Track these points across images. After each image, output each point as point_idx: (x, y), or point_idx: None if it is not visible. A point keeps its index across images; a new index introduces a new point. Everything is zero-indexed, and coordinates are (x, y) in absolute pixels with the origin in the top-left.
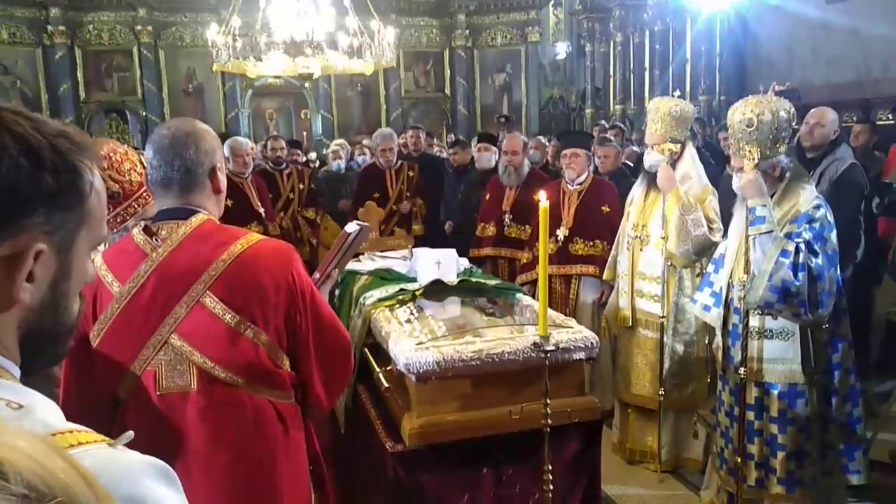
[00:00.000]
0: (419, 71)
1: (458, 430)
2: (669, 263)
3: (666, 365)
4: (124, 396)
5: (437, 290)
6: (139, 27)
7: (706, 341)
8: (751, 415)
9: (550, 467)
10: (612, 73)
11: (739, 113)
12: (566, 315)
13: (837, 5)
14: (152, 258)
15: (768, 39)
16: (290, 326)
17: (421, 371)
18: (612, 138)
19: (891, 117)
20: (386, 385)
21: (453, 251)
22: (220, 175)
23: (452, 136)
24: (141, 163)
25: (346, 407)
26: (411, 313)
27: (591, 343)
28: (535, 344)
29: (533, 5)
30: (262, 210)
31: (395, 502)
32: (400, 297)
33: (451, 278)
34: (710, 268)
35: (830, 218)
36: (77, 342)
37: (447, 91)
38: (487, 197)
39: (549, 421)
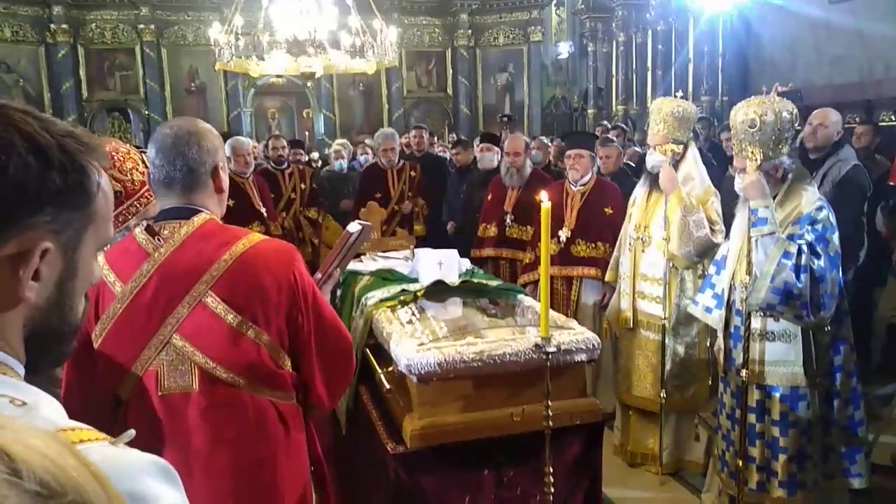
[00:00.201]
0: (421, 70)
1: (459, 432)
2: (671, 265)
3: (667, 367)
4: (126, 396)
5: (438, 291)
6: (142, 26)
7: (707, 343)
8: (752, 417)
9: (552, 469)
10: (614, 73)
11: (742, 113)
12: (567, 316)
13: (841, 6)
14: (154, 258)
15: (771, 40)
16: (291, 327)
17: (422, 372)
18: (615, 139)
19: (893, 118)
20: (387, 386)
21: (455, 252)
22: (223, 174)
23: (454, 135)
24: (143, 162)
25: (348, 408)
26: (413, 314)
27: (593, 344)
28: (536, 345)
29: (535, 5)
30: (263, 210)
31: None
32: (402, 298)
33: (453, 279)
34: (712, 269)
35: (833, 219)
36: (79, 342)
37: (449, 91)
38: (489, 197)
39: (551, 423)
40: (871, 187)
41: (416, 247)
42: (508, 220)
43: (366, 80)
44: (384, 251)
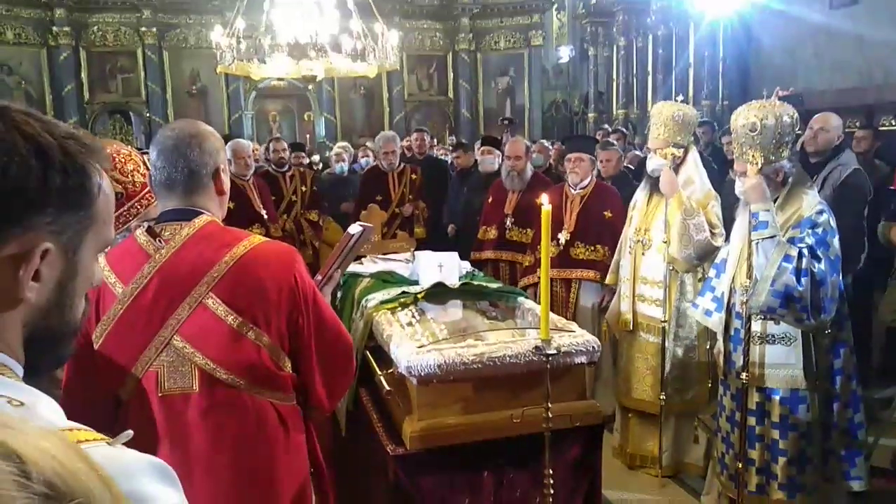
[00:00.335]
0: (422, 74)
1: (459, 434)
2: (671, 268)
3: (667, 369)
4: (126, 397)
5: (438, 293)
6: (143, 28)
7: (707, 346)
8: (752, 420)
9: (551, 471)
10: (615, 77)
11: (743, 117)
12: (566, 318)
13: (841, 11)
14: (155, 259)
15: (771, 45)
16: (291, 328)
17: (422, 374)
18: (615, 142)
19: (893, 123)
20: (387, 388)
21: (455, 254)
22: (224, 177)
23: (454, 138)
24: (144, 164)
25: (348, 409)
26: (413, 316)
27: (593, 347)
28: (536, 347)
29: (536, 9)
30: (263, 212)
31: None
32: (402, 300)
33: (453, 281)
34: (712, 272)
35: (833, 223)
36: (80, 343)
37: (450, 94)
38: (490, 200)
39: (551, 425)
40: (871, 191)
41: (416, 249)
42: (509, 223)
43: (367, 84)
44: (384, 253)
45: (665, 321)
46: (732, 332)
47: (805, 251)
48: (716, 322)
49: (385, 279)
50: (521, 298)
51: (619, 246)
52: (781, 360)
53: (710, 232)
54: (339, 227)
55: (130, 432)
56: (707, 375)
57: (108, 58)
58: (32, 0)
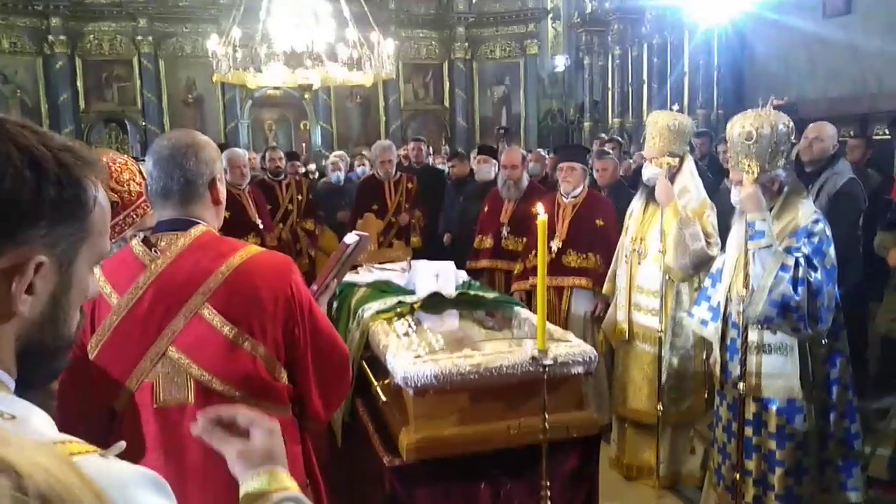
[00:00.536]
0: (418, 83)
1: (455, 445)
2: (667, 277)
3: (663, 379)
4: (121, 409)
5: (435, 303)
6: (139, 37)
7: (703, 356)
8: (749, 430)
9: (548, 482)
10: (610, 86)
11: (738, 126)
12: (558, 326)
13: (834, 20)
14: (151, 269)
15: (765, 53)
16: (287, 339)
17: (419, 384)
18: (611, 151)
19: (887, 132)
20: (383, 398)
21: (452, 263)
22: (220, 186)
23: (448, 147)
24: (140, 173)
25: (344, 420)
26: (409, 326)
27: (590, 357)
28: (533, 358)
29: (532, 18)
30: (259, 221)
31: None
32: (398, 310)
33: (450, 291)
34: (708, 282)
35: (829, 233)
36: (74, 354)
37: (446, 103)
38: (486, 209)
39: (548, 436)
40: (866, 201)
41: (412, 258)
42: (504, 232)
43: (363, 93)
44: (381, 263)
45: (661, 331)
46: (728, 342)
47: (802, 260)
48: (712, 332)
49: (381, 289)
50: (517, 308)
51: (615, 255)
52: (778, 370)
53: (706, 241)
54: (335, 235)
55: (123, 444)
56: (703, 385)
57: (103, 66)
58: (28, 8)
